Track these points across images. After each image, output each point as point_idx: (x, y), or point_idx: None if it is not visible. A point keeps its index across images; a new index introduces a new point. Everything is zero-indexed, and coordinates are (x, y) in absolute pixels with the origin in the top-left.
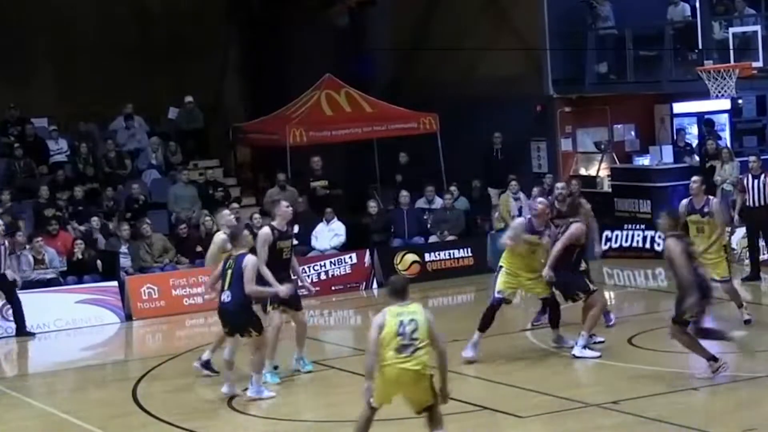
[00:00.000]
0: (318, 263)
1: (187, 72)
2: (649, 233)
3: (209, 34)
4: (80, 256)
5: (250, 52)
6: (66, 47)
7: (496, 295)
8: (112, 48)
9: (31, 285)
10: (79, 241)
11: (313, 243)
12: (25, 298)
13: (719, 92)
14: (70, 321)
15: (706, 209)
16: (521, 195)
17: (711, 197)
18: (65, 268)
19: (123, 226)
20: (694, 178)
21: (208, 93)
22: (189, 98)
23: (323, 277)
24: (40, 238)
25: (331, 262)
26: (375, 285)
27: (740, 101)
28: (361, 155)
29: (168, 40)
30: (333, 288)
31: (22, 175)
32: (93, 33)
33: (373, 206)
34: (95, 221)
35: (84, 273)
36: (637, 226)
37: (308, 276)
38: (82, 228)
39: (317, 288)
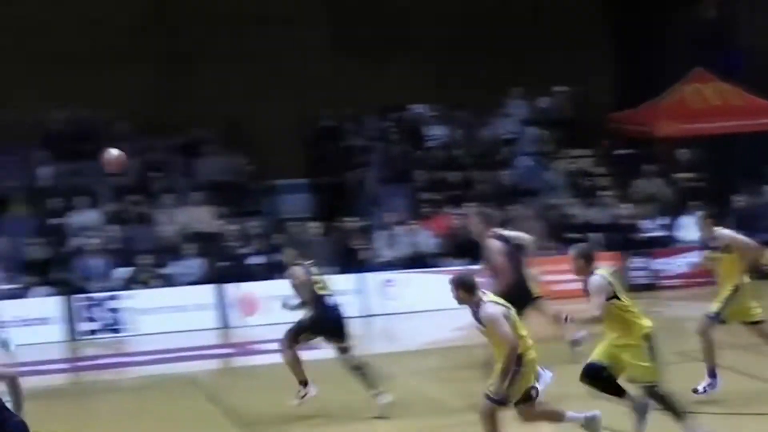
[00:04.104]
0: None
1: (560, 62)
2: None
3: (584, 27)
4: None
5: (622, 44)
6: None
7: None
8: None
9: (407, 265)
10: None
11: (679, 235)
12: (401, 277)
13: None
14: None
15: None
16: None
17: None
18: (440, 251)
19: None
20: None
21: (579, 83)
22: (561, 88)
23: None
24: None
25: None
26: None
27: None
28: (725, 148)
29: (549, 32)
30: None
31: (399, 160)
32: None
33: (739, 200)
34: (469, 207)
35: (460, 256)
36: None
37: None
38: (456, 212)
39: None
